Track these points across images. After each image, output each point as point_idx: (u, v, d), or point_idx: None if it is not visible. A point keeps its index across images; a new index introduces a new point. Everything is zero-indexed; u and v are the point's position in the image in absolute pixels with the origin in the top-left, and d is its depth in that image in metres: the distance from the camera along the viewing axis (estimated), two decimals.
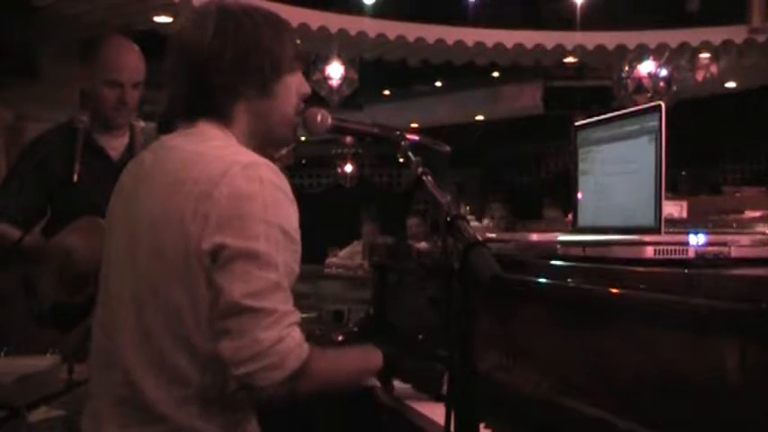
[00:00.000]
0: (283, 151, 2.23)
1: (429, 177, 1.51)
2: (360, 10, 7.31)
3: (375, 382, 1.89)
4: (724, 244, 1.57)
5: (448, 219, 1.32)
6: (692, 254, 1.54)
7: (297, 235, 1.50)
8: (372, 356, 1.69)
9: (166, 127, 1.65)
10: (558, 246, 1.88)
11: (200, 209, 1.44)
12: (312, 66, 7.28)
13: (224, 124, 1.58)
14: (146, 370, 1.47)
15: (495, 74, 9.90)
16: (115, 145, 2.64)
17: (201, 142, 1.55)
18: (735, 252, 1.57)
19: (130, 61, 2.60)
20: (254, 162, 1.48)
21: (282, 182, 1.50)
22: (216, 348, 1.42)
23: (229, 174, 1.45)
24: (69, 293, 2.46)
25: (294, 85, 1.64)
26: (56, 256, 2.46)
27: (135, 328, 1.49)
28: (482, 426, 1.62)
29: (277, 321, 1.42)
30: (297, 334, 1.45)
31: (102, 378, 1.55)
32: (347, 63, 7.52)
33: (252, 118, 1.60)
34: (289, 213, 1.49)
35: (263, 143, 1.65)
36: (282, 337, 1.41)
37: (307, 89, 1.68)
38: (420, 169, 1.54)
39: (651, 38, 7.63)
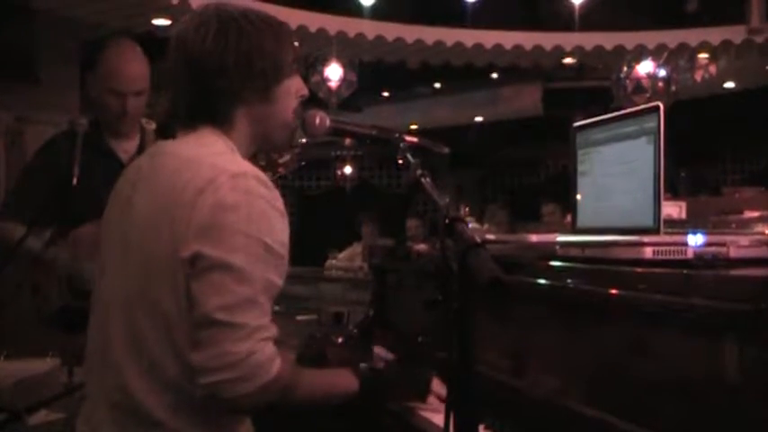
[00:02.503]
0: (287, 156, 2.22)
1: (428, 179, 1.51)
2: (358, 12, 7.30)
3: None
4: (723, 244, 1.57)
5: (447, 220, 1.32)
6: (691, 254, 1.55)
7: (282, 249, 1.47)
8: (347, 380, 1.66)
9: (166, 131, 1.64)
10: (558, 247, 1.88)
11: (184, 216, 1.43)
12: (311, 68, 7.27)
13: (223, 129, 1.57)
14: (138, 375, 1.47)
15: (494, 75, 9.89)
16: (126, 148, 2.65)
17: (197, 148, 1.54)
18: (734, 252, 1.57)
19: (132, 70, 2.59)
20: (243, 172, 1.47)
21: (272, 194, 1.48)
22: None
23: (216, 182, 1.44)
24: (76, 298, 2.46)
25: (293, 88, 1.64)
26: (62, 275, 2.47)
27: (126, 334, 1.49)
28: (482, 427, 1.62)
29: (249, 335, 1.41)
30: (269, 349, 1.44)
31: (96, 381, 1.55)
32: (346, 65, 7.50)
33: (252, 123, 1.60)
34: (274, 227, 1.47)
35: (262, 147, 1.65)
36: (253, 351, 1.40)
37: (304, 91, 1.68)
38: (419, 171, 1.54)
39: (650, 38, 7.62)
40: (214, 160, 1.50)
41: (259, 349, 1.42)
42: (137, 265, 1.49)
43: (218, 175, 1.45)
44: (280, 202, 1.49)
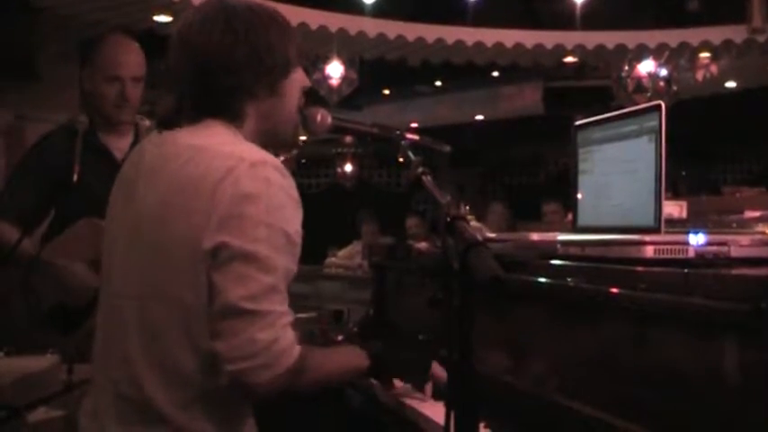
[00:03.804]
0: (281, 158, 2.22)
1: (429, 177, 1.51)
2: (359, 9, 7.29)
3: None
4: (724, 244, 1.57)
5: (448, 219, 1.32)
6: (691, 254, 1.55)
7: (298, 237, 1.49)
8: (358, 356, 1.70)
9: (169, 126, 1.63)
10: (558, 246, 1.88)
11: (202, 206, 1.43)
12: (312, 65, 7.27)
13: (233, 124, 1.57)
14: (149, 369, 1.46)
15: (495, 74, 9.88)
16: (119, 145, 2.64)
17: (207, 137, 1.53)
18: (734, 252, 1.57)
19: (129, 56, 2.60)
20: (261, 161, 1.47)
21: (289, 183, 1.49)
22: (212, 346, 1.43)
23: (235, 172, 1.44)
24: (69, 297, 2.46)
25: (298, 81, 1.64)
26: (54, 275, 2.46)
27: (139, 326, 1.48)
28: (482, 426, 1.62)
29: (272, 322, 1.42)
30: (290, 334, 1.45)
31: (104, 374, 1.54)
32: (347, 63, 7.49)
33: (260, 117, 1.60)
34: (292, 216, 1.48)
35: (268, 143, 1.65)
36: (277, 338, 1.42)
37: (307, 82, 1.69)
38: (420, 169, 1.54)
39: (651, 37, 7.62)
40: (227, 149, 1.49)
41: (282, 335, 1.43)
42: (149, 258, 1.49)
43: (237, 164, 1.45)
44: (295, 190, 1.51)
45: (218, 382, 1.45)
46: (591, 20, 7.50)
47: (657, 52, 7.64)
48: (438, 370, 1.83)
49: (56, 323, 2.47)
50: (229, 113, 1.57)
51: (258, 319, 1.41)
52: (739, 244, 1.60)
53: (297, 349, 1.46)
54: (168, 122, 1.63)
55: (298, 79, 1.64)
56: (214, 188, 1.43)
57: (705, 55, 7.97)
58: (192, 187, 1.46)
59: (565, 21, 7.58)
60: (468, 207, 7.78)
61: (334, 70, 7.46)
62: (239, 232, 1.42)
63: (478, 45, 7.59)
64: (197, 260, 1.43)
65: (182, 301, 1.44)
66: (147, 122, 2.70)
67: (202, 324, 1.44)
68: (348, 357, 1.71)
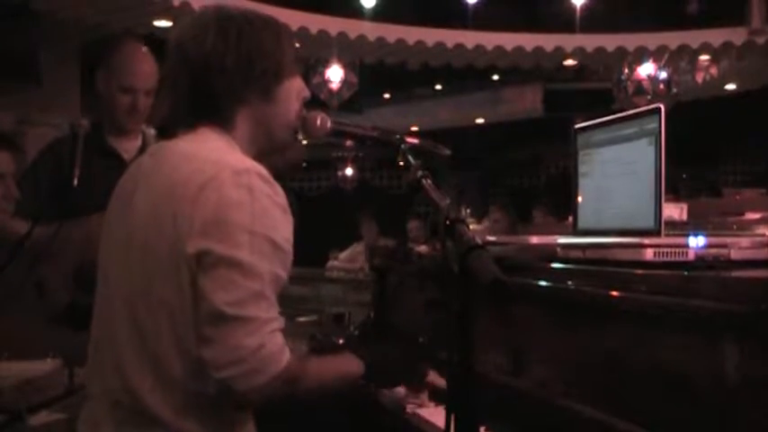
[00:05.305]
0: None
1: (428, 180, 1.51)
2: (359, 13, 7.31)
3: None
4: (724, 246, 1.57)
5: (447, 222, 1.32)
6: (692, 256, 1.55)
7: (287, 244, 1.48)
8: (353, 365, 1.67)
9: (167, 133, 1.64)
10: (559, 248, 1.88)
11: (187, 211, 1.43)
12: (312, 69, 7.28)
13: (225, 130, 1.57)
14: (142, 373, 1.46)
15: (495, 77, 9.90)
16: (128, 147, 2.67)
17: (199, 144, 1.54)
18: (735, 254, 1.57)
19: (145, 68, 2.62)
20: (246, 169, 1.47)
21: (274, 190, 1.48)
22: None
23: (218, 178, 1.44)
24: (82, 292, 2.45)
25: (294, 88, 1.64)
26: (83, 231, 2.43)
27: (130, 331, 1.48)
28: (483, 429, 1.62)
29: (259, 328, 1.41)
30: (279, 340, 1.44)
31: (98, 380, 1.55)
32: (347, 66, 7.51)
33: (253, 123, 1.60)
34: (278, 223, 1.47)
35: (264, 148, 1.65)
36: (264, 344, 1.41)
37: (306, 93, 1.68)
38: (420, 172, 1.54)
39: (651, 40, 7.63)
40: (215, 156, 1.50)
41: (269, 341, 1.42)
42: (139, 262, 1.49)
43: (221, 171, 1.45)
44: (282, 198, 1.50)
45: (211, 386, 1.45)
46: (590, 22, 7.51)
47: (657, 54, 7.65)
48: (434, 377, 1.83)
49: (69, 320, 2.47)
50: (221, 119, 1.57)
51: (243, 324, 1.40)
52: (739, 246, 1.60)
53: (286, 356, 1.44)
54: (165, 130, 1.64)
55: (294, 86, 1.64)
56: (197, 194, 1.44)
57: (705, 57, 7.98)
58: (177, 193, 1.46)
59: (564, 23, 7.59)
60: (468, 210, 7.79)
61: (335, 74, 7.48)
62: (222, 238, 1.41)
63: (478, 48, 7.61)
64: (180, 264, 1.42)
65: (169, 305, 1.44)
66: (152, 131, 2.72)
67: (189, 328, 1.43)
68: (343, 364, 1.68)
